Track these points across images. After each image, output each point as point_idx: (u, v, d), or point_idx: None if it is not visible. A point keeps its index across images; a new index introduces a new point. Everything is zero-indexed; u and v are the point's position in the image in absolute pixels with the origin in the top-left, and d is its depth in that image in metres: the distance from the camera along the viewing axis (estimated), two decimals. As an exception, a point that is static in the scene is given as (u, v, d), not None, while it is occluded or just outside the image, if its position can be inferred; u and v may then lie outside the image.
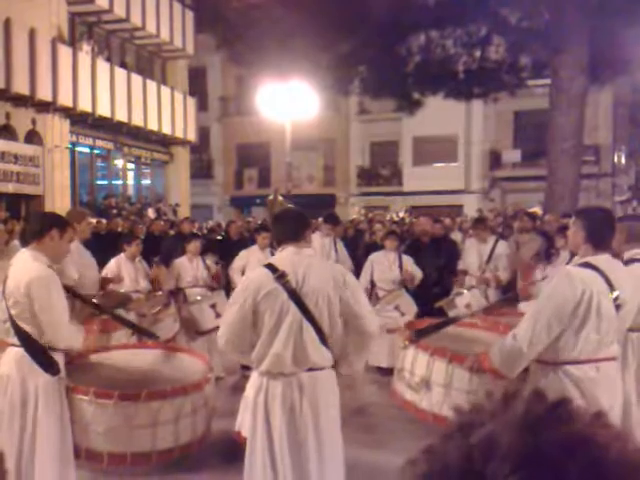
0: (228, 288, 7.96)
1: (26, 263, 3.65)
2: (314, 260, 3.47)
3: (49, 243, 3.70)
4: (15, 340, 3.65)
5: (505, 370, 3.40)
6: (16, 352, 3.66)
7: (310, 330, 3.29)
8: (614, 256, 3.59)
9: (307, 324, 3.29)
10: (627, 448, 0.63)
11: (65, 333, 3.67)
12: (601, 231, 3.43)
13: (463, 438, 0.64)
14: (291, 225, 3.48)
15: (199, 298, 7.30)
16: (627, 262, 4.13)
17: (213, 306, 7.23)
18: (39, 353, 3.65)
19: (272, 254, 7.26)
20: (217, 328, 6.21)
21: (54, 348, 3.70)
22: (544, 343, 3.30)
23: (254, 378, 3.48)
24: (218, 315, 6.81)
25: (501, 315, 5.07)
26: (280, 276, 3.28)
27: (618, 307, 3.34)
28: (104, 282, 6.40)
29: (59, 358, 3.74)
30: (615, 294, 3.31)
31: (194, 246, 7.67)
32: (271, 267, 3.34)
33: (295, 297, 3.27)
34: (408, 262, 8.13)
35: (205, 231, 15.12)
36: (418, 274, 8.07)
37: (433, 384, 3.77)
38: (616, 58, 13.92)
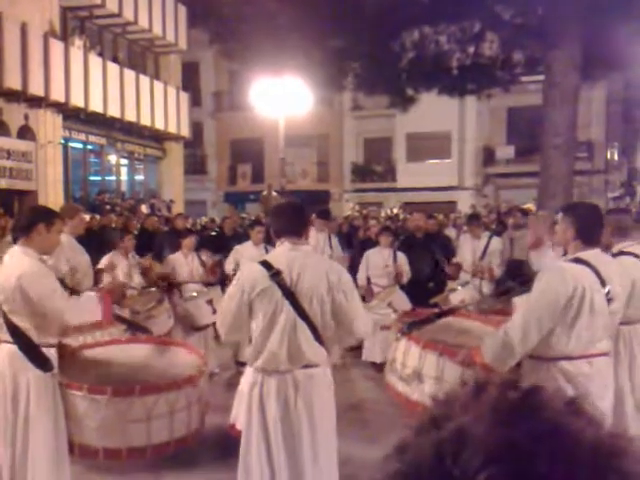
0: (224, 283, 7.95)
1: (17, 259, 3.65)
2: (310, 258, 3.46)
3: (37, 238, 3.70)
4: (7, 336, 3.65)
5: (496, 365, 3.40)
6: (8, 348, 3.65)
7: (304, 328, 3.30)
8: (603, 250, 3.61)
9: (301, 322, 3.29)
10: (601, 434, 0.62)
11: (69, 304, 3.70)
12: (590, 227, 3.44)
13: (435, 431, 0.63)
14: (292, 219, 3.47)
15: (195, 294, 7.29)
16: (615, 255, 4.17)
17: (209, 302, 7.23)
18: (31, 349, 3.64)
19: (266, 249, 7.26)
20: (213, 324, 6.22)
21: (48, 345, 3.69)
22: (536, 338, 3.31)
23: (249, 373, 3.48)
24: (214, 311, 6.81)
25: (495, 314, 5.08)
26: (275, 274, 3.27)
27: (609, 301, 3.36)
28: (98, 275, 6.38)
29: (52, 354, 3.74)
30: (607, 289, 3.33)
31: (189, 242, 7.65)
32: (266, 264, 3.34)
33: (289, 295, 3.27)
34: (402, 260, 8.16)
35: (199, 227, 15.11)
36: (407, 274, 8.12)
37: (424, 376, 3.79)
38: (609, 55, 13.93)
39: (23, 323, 3.61)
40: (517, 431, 0.60)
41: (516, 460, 0.58)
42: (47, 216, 3.83)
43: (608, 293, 3.34)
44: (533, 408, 0.63)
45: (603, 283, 3.32)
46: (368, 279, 8.12)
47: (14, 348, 3.63)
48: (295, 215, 3.50)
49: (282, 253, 3.38)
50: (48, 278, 3.68)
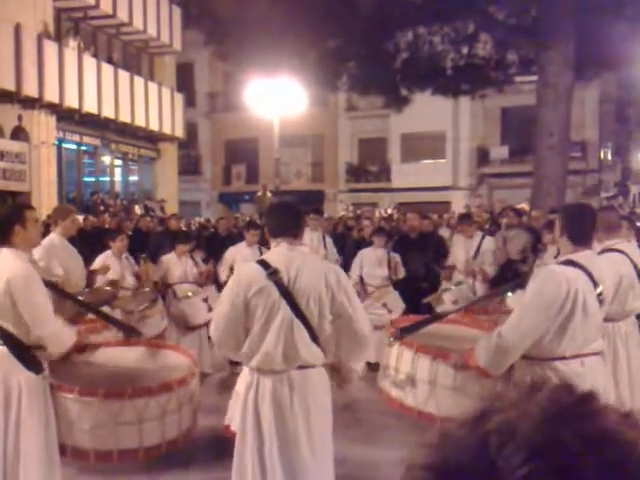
0: (218, 285, 7.95)
1: (6, 261, 3.62)
2: (307, 258, 3.45)
3: (17, 239, 3.66)
4: (-3, 338, 3.63)
5: (491, 368, 3.40)
6: None
7: (301, 328, 3.28)
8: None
9: (298, 322, 3.27)
10: None
11: (51, 327, 3.63)
12: (579, 226, 3.46)
13: (481, 423, 0.63)
14: (288, 219, 3.46)
15: (190, 294, 7.28)
16: (602, 252, 4.20)
17: (205, 300, 7.23)
18: (22, 351, 3.63)
19: (260, 251, 7.26)
20: (208, 323, 6.22)
21: (38, 346, 3.67)
22: (530, 341, 3.32)
23: (245, 373, 3.48)
24: (210, 309, 6.80)
25: (487, 313, 5.10)
26: (272, 273, 3.26)
27: (602, 302, 3.38)
28: (91, 276, 6.36)
29: (42, 356, 3.72)
30: (599, 290, 3.34)
31: (182, 248, 7.64)
32: (264, 263, 3.33)
33: (286, 295, 3.26)
34: (395, 259, 8.19)
35: (194, 228, 15.09)
36: (401, 272, 8.13)
37: (418, 381, 3.78)
38: (603, 55, 13.98)
39: (11, 326, 3.59)
40: (566, 430, 0.60)
41: (562, 459, 0.58)
42: (16, 214, 3.75)
43: (600, 294, 3.35)
44: (587, 412, 0.62)
45: (595, 284, 3.33)
46: (361, 279, 8.13)
47: (4, 350, 3.62)
48: (291, 215, 3.48)
49: (279, 253, 3.38)
50: (36, 285, 3.63)
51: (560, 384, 0.67)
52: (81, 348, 3.93)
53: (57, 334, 3.68)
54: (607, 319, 4.08)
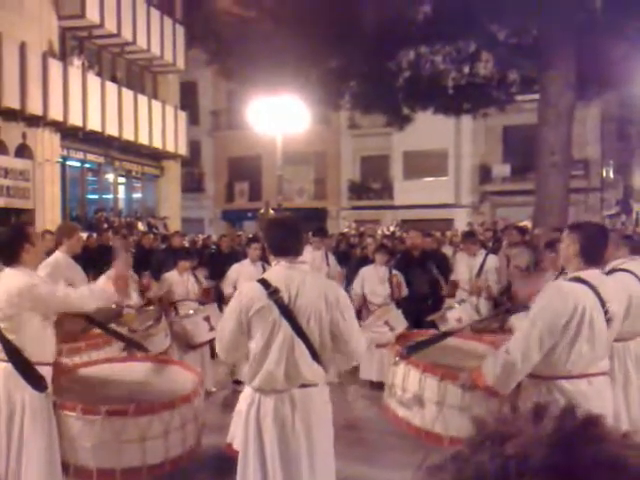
0: (220, 303, 7.95)
1: (13, 277, 3.66)
2: (308, 276, 3.44)
3: (27, 256, 3.74)
4: (2, 355, 3.64)
5: (499, 386, 3.38)
6: (4, 367, 3.64)
7: (302, 347, 3.28)
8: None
9: (299, 341, 3.27)
10: None
11: (80, 298, 3.74)
12: (594, 246, 3.44)
13: (497, 448, 0.64)
14: (288, 240, 3.43)
15: (191, 312, 7.28)
16: (610, 272, 4.19)
17: (207, 319, 7.22)
18: (26, 368, 3.64)
19: (263, 268, 7.27)
20: (210, 341, 6.19)
21: (42, 362, 3.69)
22: (537, 357, 3.30)
23: (247, 392, 3.47)
24: (212, 328, 6.79)
25: (490, 333, 5.08)
26: (273, 292, 3.27)
27: (609, 321, 3.37)
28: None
29: (46, 373, 3.73)
30: (606, 308, 3.34)
31: (184, 265, 7.67)
32: (264, 282, 3.33)
33: (287, 314, 3.26)
34: (397, 277, 8.17)
35: (200, 244, 15.10)
36: (404, 290, 8.13)
37: (426, 401, 3.75)
38: (604, 74, 14.06)
39: (19, 341, 3.61)
40: (579, 458, 0.61)
41: None
42: (23, 233, 3.83)
43: (607, 313, 3.34)
44: (593, 437, 0.64)
45: (603, 303, 3.33)
46: (364, 297, 8.11)
47: (9, 367, 3.63)
48: (290, 234, 3.46)
49: (280, 271, 3.38)
50: (46, 284, 3.73)
51: (564, 407, 0.68)
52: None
53: (93, 297, 3.78)
54: (618, 339, 4.07)
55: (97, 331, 4.97)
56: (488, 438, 0.66)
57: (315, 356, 3.31)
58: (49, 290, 3.68)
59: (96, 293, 3.78)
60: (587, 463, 0.61)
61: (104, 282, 3.82)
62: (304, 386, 3.33)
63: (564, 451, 0.62)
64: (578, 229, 3.56)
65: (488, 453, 0.64)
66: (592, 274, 3.38)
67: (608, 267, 4.39)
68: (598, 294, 3.31)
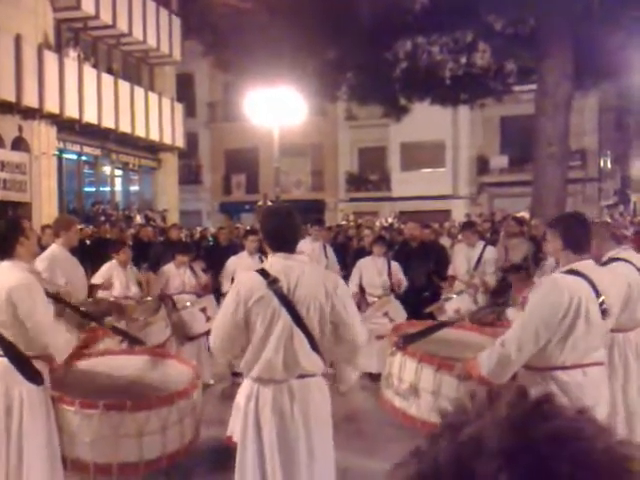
0: (217, 295, 7.94)
1: (7, 273, 3.65)
2: (306, 266, 3.44)
3: (22, 249, 3.73)
4: (-1, 350, 3.64)
5: (494, 377, 3.40)
6: (0, 362, 3.64)
7: (301, 337, 3.28)
8: (595, 260, 3.65)
9: (298, 330, 3.27)
10: (612, 440, 0.64)
11: (51, 336, 3.64)
12: (577, 235, 3.47)
13: (451, 438, 0.64)
14: (285, 235, 3.40)
15: (188, 304, 7.29)
16: (607, 262, 4.20)
17: (203, 310, 7.22)
18: (23, 362, 3.63)
19: (261, 260, 7.26)
20: (207, 332, 6.20)
21: (38, 356, 3.68)
22: (532, 350, 3.32)
23: (245, 384, 3.47)
24: (208, 319, 6.80)
25: (487, 325, 5.09)
26: (272, 282, 3.26)
27: (604, 312, 3.37)
28: (92, 289, 6.37)
29: (43, 367, 3.73)
30: (601, 299, 3.34)
31: (181, 259, 7.67)
32: (263, 272, 3.33)
33: (286, 303, 3.25)
34: (396, 269, 8.17)
35: (198, 236, 15.09)
36: (404, 282, 8.12)
37: (421, 391, 3.77)
38: (601, 64, 14.04)
39: (13, 336, 3.61)
40: (535, 433, 0.62)
41: (533, 464, 0.60)
42: (18, 226, 3.84)
43: (602, 303, 3.36)
44: (547, 413, 0.65)
45: (598, 294, 3.34)
46: (362, 289, 8.11)
47: (5, 361, 3.62)
48: (288, 230, 3.41)
49: (278, 262, 3.37)
50: (38, 294, 3.67)
51: (515, 389, 0.69)
52: (80, 354, 3.93)
53: (56, 346, 3.69)
54: (617, 329, 4.08)
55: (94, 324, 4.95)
56: (445, 429, 0.66)
57: (314, 346, 3.31)
58: (38, 307, 3.61)
59: (66, 346, 3.72)
60: (541, 440, 0.61)
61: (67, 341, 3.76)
62: (302, 376, 3.33)
63: (518, 431, 0.62)
64: (556, 223, 3.62)
65: (443, 442, 0.64)
66: (586, 265, 3.39)
67: (605, 257, 4.39)
68: (593, 285, 3.33)
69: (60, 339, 3.70)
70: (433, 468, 0.63)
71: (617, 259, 4.40)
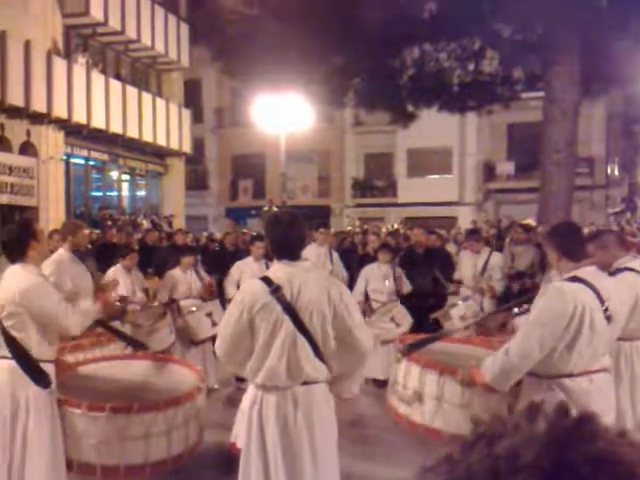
0: (222, 300, 7.95)
1: (18, 275, 3.68)
2: (310, 273, 3.43)
3: (33, 253, 3.77)
4: (6, 352, 3.66)
5: (497, 384, 3.40)
6: (7, 364, 3.66)
7: (304, 344, 3.28)
8: (602, 268, 3.64)
9: (301, 338, 3.27)
10: None
11: (72, 319, 3.72)
12: (569, 242, 3.50)
13: (487, 449, 0.63)
14: (291, 243, 3.39)
15: (194, 309, 7.30)
16: (614, 272, 4.18)
17: (209, 315, 7.23)
18: (30, 365, 3.65)
19: (267, 265, 7.26)
20: (213, 337, 6.21)
21: (47, 360, 3.70)
22: (537, 358, 3.31)
23: (250, 391, 3.47)
24: (214, 324, 6.81)
25: (495, 333, 5.07)
26: (275, 289, 3.26)
27: (609, 318, 3.36)
28: (98, 292, 6.36)
29: (50, 370, 3.74)
30: (605, 306, 3.34)
31: (188, 260, 7.69)
32: (267, 280, 3.33)
33: (290, 311, 3.25)
34: (398, 273, 8.17)
35: (204, 241, 15.08)
36: (406, 288, 8.12)
37: (425, 397, 3.76)
38: (609, 71, 14.02)
39: (23, 339, 3.63)
40: (573, 454, 0.61)
41: None
42: (28, 229, 3.87)
43: (607, 310, 3.35)
44: (588, 434, 0.63)
45: (602, 301, 3.33)
46: (367, 296, 8.09)
47: (13, 364, 3.64)
48: (294, 238, 3.40)
49: (282, 269, 3.37)
50: (50, 291, 3.73)
51: (557, 405, 0.68)
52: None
53: (80, 321, 3.79)
54: (625, 338, 4.06)
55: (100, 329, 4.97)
56: (480, 438, 0.65)
57: (317, 353, 3.31)
58: (49, 302, 3.68)
59: (86, 316, 3.83)
60: (580, 461, 0.60)
61: (89, 303, 3.89)
62: (306, 383, 3.32)
63: (556, 450, 0.61)
64: (549, 235, 3.70)
65: (479, 453, 0.63)
66: (588, 272, 3.39)
67: (613, 267, 4.37)
68: (596, 291, 3.33)
69: (78, 317, 3.78)
70: (467, 477, 0.62)
71: (625, 268, 4.38)
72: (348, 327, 3.33)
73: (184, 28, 22.47)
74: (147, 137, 20.59)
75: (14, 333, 3.62)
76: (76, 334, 3.93)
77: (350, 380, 3.53)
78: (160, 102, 21.52)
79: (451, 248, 11.68)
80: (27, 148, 16.98)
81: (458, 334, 4.89)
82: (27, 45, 16.10)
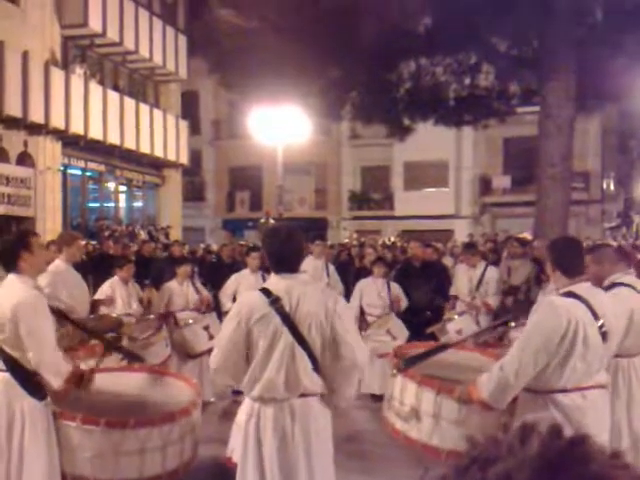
0: (219, 312, 7.94)
1: (11, 287, 3.66)
2: (308, 285, 3.44)
3: (24, 264, 3.71)
4: (1, 365, 3.64)
5: (494, 401, 3.40)
6: (2, 376, 3.64)
7: (303, 356, 3.27)
8: (596, 283, 3.64)
9: (299, 349, 3.26)
10: None
11: (48, 359, 3.62)
12: (567, 257, 3.50)
13: (481, 472, 0.63)
14: (288, 257, 3.38)
15: (191, 321, 7.28)
16: (609, 287, 4.18)
17: (206, 328, 7.22)
18: (25, 378, 3.63)
19: (263, 277, 7.26)
20: (210, 350, 6.20)
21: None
22: (532, 373, 3.31)
23: (246, 403, 3.46)
24: (211, 337, 6.79)
25: (490, 347, 5.06)
26: (274, 300, 3.26)
27: (604, 335, 3.36)
28: (95, 305, 6.36)
29: (45, 383, 3.72)
30: (600, 322, 3.34)
31: (184, 270, 7.68)
32: (265, 291, 3.33)
33: (288, 322, 3.25)
34: (396, 289, 8.15)
35: (200, 252, 15.08)
36: (404, 302, 8.11)
37: (422, 414, 3.75)
38: (604, 86, 14.10)
39: (16, 353, 3.61)
40: (566, 477, 0.60)
41: None
42: (21, 240, 3.82)
43: (602, 326, 3.35)
44: (581, 456, 0.63)
45: (596, 316, 3.33)
46: (362, 310, 8.08)
47: (7, 376, 3.62)
48: (292, 252, 3.40)
49: (280, 281, 3.38)
50: (42, 313, 3.65)
51: (550, 427, 0.67)
52: (78, 381, 3.85)
53: (55, 363, 3.66)
54: (622, 355, 4.06)
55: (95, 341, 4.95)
56: (474, 462, 0.65)
57: (315, 365, 3.30)
58: (33, 329, 3.58)
59: (59, 372, 3.67)
60: None
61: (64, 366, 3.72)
62: (304, 396, 3.31)
63: (549, 473, 0.61)
64: (548, 249, 3.67)
65: (472, 478, 0.63)
66: (583, 287, 3.40)
67: (607, 282, 4.37)
68: (590, 307, 3.32)
69: (58, 360, 3.67)
70: None
71: (619, 284, 4.38)
72: (344, 339, 3.30)
73: (182, 40, 22.56)
74: (144, 148, 20.61)
75: (7, 347, 3.60)
76: (47, 374, 3.64)
77: (345, 389, 3.48)
78: (157, 113, 21.56)
79: (447, 261, 11.70)
80: (24, 159, 16.97)
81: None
82: (25, 56, 16.14)
